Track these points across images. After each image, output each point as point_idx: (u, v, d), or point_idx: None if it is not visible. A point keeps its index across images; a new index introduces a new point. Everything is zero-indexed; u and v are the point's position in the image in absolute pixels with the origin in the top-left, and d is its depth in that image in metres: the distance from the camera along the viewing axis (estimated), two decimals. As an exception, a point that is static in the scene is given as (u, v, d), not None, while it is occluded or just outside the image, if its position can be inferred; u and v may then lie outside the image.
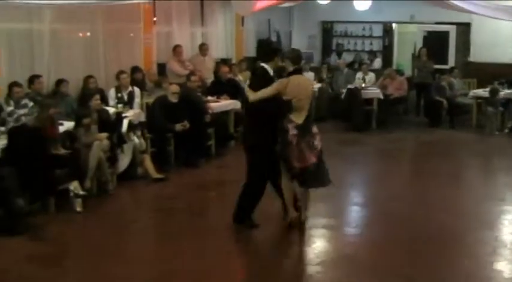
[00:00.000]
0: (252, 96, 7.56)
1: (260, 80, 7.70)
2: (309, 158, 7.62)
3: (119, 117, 10.15)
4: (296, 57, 7.90)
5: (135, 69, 12.51)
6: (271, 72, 7.75)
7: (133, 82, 11.92)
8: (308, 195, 8.00)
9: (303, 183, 7.77)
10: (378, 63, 19.73)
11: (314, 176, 7.73)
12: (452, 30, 19.26)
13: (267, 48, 8.51)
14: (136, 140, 10.19)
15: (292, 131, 7.51)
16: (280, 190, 7.93)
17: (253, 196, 7.82)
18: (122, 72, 11.62)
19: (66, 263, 7.01)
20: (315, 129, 7.79)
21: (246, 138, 8.02)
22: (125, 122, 10.10)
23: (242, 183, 7.90)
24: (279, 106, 7.54)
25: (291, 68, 7.72)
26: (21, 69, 10.39)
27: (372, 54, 20.25)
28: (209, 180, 10.40)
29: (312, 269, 6.64)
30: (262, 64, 7.88)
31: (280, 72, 7.94)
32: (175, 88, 11.02)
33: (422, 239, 7.63)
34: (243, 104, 7.85)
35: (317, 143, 7.74)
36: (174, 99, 10.90)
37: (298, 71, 7.85)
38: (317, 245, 7.41)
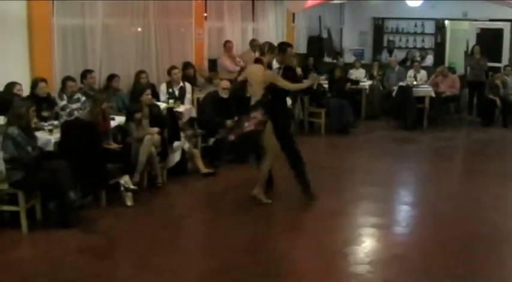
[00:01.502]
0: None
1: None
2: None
3: (171, 112, 10.23)
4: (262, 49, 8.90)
5: (186, 65, 12.60)
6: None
7: (185, 78, 12.01)
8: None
9: None
10: (429, 60, 19.51)
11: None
12: (506, 27, 18.92)
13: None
14: (186, 144, 10.25)
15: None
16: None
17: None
18: (173, 67, 11.71)
19: (117, 255, 7.10)
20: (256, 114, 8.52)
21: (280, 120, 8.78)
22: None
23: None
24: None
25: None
26: (74, 64, 10.54)
27: (423, 51, 20.05)
28: (258, 176, 10.38)
29: (361, 268, 6.59)
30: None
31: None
32: (226, 84, 11.05)
33: (473, 239, 7.54)
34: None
35: (247, 125, 8.50)
36: (224, 94, 10.92)
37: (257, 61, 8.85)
38: (367, 244, 7.36)
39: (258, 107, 8.52)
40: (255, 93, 8.60)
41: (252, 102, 8.61)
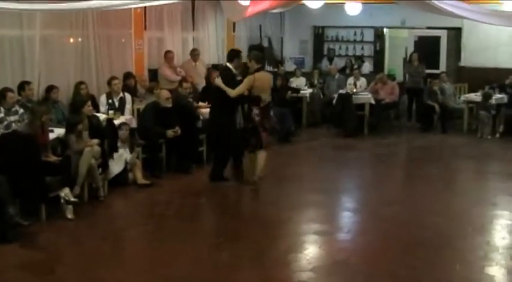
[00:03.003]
0: (233, 92, 9.77)
1: (225, 76, 10.03)
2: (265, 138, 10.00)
3: (110, 123, 10.13)
4: (260, 57, 10.13)
5: (127, 75, 12.48)
6: (234, 70, 10.15)
7: (126, 88, 11.90)
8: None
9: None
10: (366, 67, 19.67)
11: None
12: (443, 35, 19.25)
13: (229, 52, 10.80)
14: (128, 155, 10.17)
15: (255, 111, 9.80)
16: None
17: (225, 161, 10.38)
18: (113, 78, 11.58)
19: (58, 270, 6.94)
20: (271, 112, 10.46)
21: (216, 120, 10.31)
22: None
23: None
24: (247, 98, 9.91)
25: (255, 66, 9.89)
26: (12, 75, 10.35)
27: (360, 59, 20.20)
28: (200, 186, 10.37)
29: (305, 275, 6.61)
30: (227, 64, 10.32)
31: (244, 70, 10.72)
32: (167, 94, 10.98)
33: (414, 244, 7.64)
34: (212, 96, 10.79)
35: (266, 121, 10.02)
36: (168, 104, 10.85)
37: (261, 69, 10.10)
38: (309, 251, 7.39)
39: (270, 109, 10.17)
40: (266, 97, 9.93)
41: (262, 104, 9.84)
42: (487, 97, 14.86)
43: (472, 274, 6.79)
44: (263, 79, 9.93)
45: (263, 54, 10.39)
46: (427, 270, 6.74)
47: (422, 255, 7.20)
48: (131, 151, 10.33)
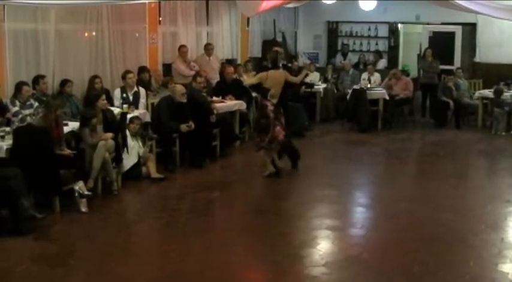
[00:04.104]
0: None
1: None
2: (278, 131, 10.20)
3: (124, 117, 10.15)
4: (274, 59, 10.50)
5: (142, 69, 12.51)
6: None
7: (140, 82, 11.91)
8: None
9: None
10: (382, 63, 19.64)
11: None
12: (458, 30, 19.16)
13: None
14: (141, 149, 10.20)
15: (270, 107, 10.15)
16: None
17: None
18: (128, 72, 11.59)
19: (71, 263, 6.97)
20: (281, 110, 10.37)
21: None
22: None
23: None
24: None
25: (270, 66, 10.50)
26: (27, 69, 10.38)
27: (376, 54, 20.16)
28: (214, 181, 10.40)
29: (317, 270, 6.60)
30: None
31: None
32: (182, 89, 10.98)
33: (427, 240, 7.62)
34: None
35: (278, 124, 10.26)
36: (183, 99, 10.85)
37: (275, 67, 10.46)
38: (322, 246, 7.38)
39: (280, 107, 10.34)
40: (276, 95, 10.23)
41: (273, 100, 10.21)
42: (498, 93, 14.79)
43: (486, 271, 6.76)
44: (274, 77, 10.25)
45: (277, 56, 10.64)
46: (440, 267, 6.73)
47: (435, 251, 7.19)
48: (143, 145, 10.36)
